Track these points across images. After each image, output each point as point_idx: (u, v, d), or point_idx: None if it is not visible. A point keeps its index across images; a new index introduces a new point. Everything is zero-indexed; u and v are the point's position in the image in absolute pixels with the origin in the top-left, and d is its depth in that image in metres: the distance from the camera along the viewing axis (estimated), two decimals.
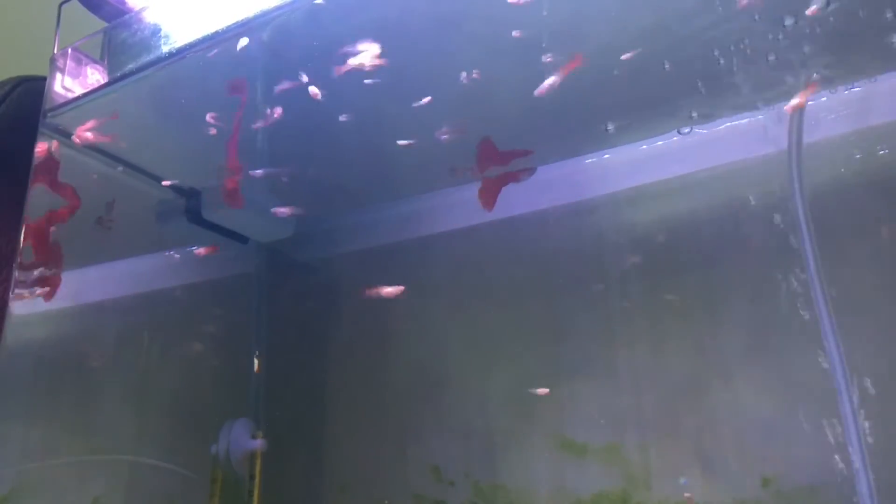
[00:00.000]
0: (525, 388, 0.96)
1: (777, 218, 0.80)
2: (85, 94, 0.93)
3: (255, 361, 1.13)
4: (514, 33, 0.76)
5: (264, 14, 0.79)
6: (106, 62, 0.94)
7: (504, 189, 1.05)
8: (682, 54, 0.80)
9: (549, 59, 0.80)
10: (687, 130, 0.92)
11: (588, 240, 0.97)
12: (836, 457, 0.71)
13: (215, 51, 0.83)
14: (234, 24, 0.81)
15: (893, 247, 0.77)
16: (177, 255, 1.19)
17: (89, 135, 0.82)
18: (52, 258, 0.93)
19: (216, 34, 0.82)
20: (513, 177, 0.91)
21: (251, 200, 1.06)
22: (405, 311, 1.09)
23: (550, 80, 0.75)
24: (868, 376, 0.71)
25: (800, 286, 0.75)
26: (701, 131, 0.92)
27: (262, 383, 1.12)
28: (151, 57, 0.87)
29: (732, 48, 0.78)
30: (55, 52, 0.96)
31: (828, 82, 0.82)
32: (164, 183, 0.98)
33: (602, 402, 0.90)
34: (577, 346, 0.93)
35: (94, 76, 0.95)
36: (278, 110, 0.88)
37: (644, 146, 0.95)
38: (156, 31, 0.88)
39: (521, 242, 1.02)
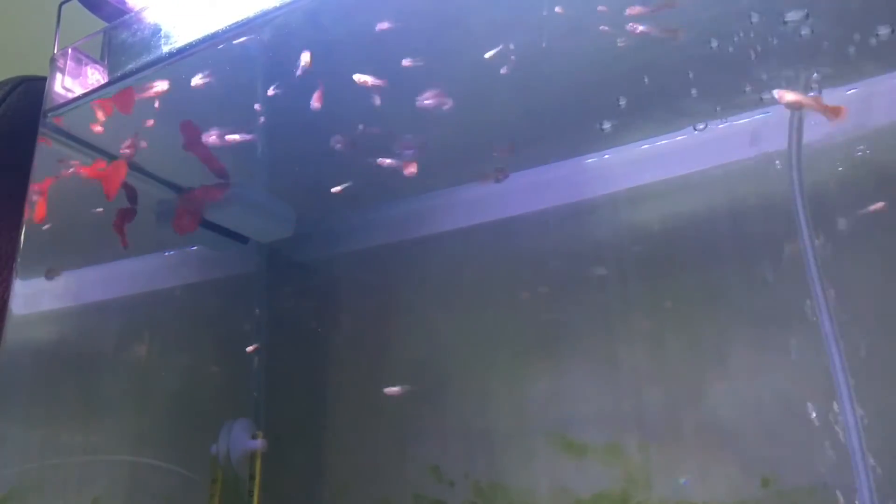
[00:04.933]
0: (525, 389, 0.96)
1: (777, 218, 0.80)
2: (85, 95, 0.93)
3: (255, 361, 1.13)
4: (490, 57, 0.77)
5: (264, 14, 0.79)
6: (106, 62, 0.94)
7: (504, 189, 1.05)
8: (682, 54, 0.80)
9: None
10: (688, 130, 0.92)
11: (588, 240, 0.97)
12: (836, 456, 0.71)
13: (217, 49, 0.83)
14: (234, 24, 0.81)
15: (893, 246, 0.77)
16: (177, 256, 1.19)
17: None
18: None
19: (216, 34, 0.82)
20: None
21: (251, 200, 1.06)
22: (405, 311, 1.09)
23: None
24: (869, 376, 0.71)
25: (800, 286, 0.75)
26: (701, 131, 0.92)
27: (262, 383, 1.12)
28: (151, 57, 0.87)
29: (732, 48, 0.78)
30: (55, 52, 0.96)
31: (828, 82, 0.82)
32: None
33: (602, 402, 0.90)
34: (576, 346, 0.93)
35: (95, 76, 0.95)
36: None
37: (644, 146, 0.95)
38: (156, 32, 0.88)
39: (521, 242, 1.02)
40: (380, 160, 0.88)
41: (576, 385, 0.92)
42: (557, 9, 0.75)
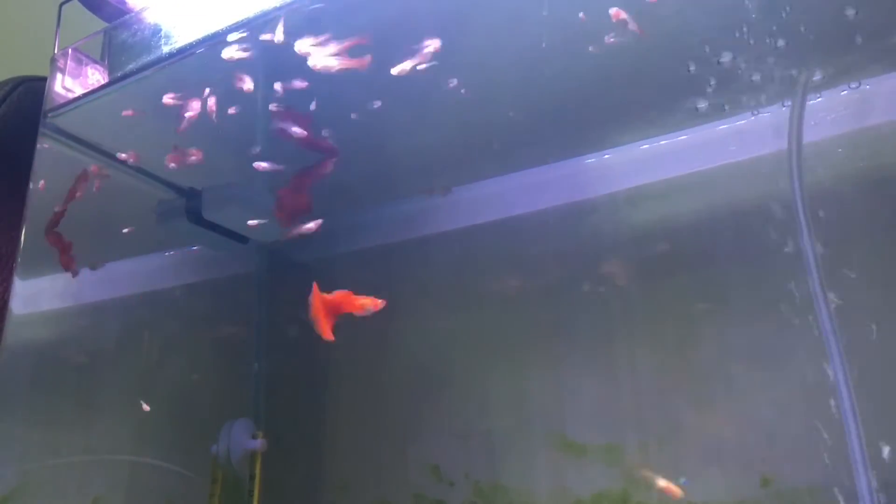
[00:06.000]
0: (525, 389, 0.96)
1: (777, 218, 0.80)
2: (85, 95, 0.93)
3: (255, 361, 1.13)
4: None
5: (264, 14, 0.79)
6: (106, 62, 0.94)
7: (504, 189, 1.05)
8: (682, 54, 0.80)
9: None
10: (688, 130, 0.92)
11: (588, 240, 0.97)
12: (836, 457, 0.71)
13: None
14: (234, 24, 0.81)
15: (893, 246, 0.77)
16: (177, 255, 1.19)
17: None
18: None
19: (216, 34, 0.82)
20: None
21: (251, 200, 1.06)
22: (405, 312, 1.09)
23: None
24: (868, 375, 0.71)
25: (800, 286, 0.75)
26: (701, 131, 0.92)
27: (262, 383, 1.12)
28: (152, 57, 0.87)
29: (731, 48, 0.78)
30: (55, 52, 0.96)
31: (828, 82, 0.82)
32: None
33: (602, 402, 0.90)
34: (577, 346, 0.93)
35: (95, 76, 0.95)
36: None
37: (644, 146, 0.95)
38: (156, 32, 0.88)
39: (521, 242, 1.02)
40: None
41: (576, 385, 0.92)
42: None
